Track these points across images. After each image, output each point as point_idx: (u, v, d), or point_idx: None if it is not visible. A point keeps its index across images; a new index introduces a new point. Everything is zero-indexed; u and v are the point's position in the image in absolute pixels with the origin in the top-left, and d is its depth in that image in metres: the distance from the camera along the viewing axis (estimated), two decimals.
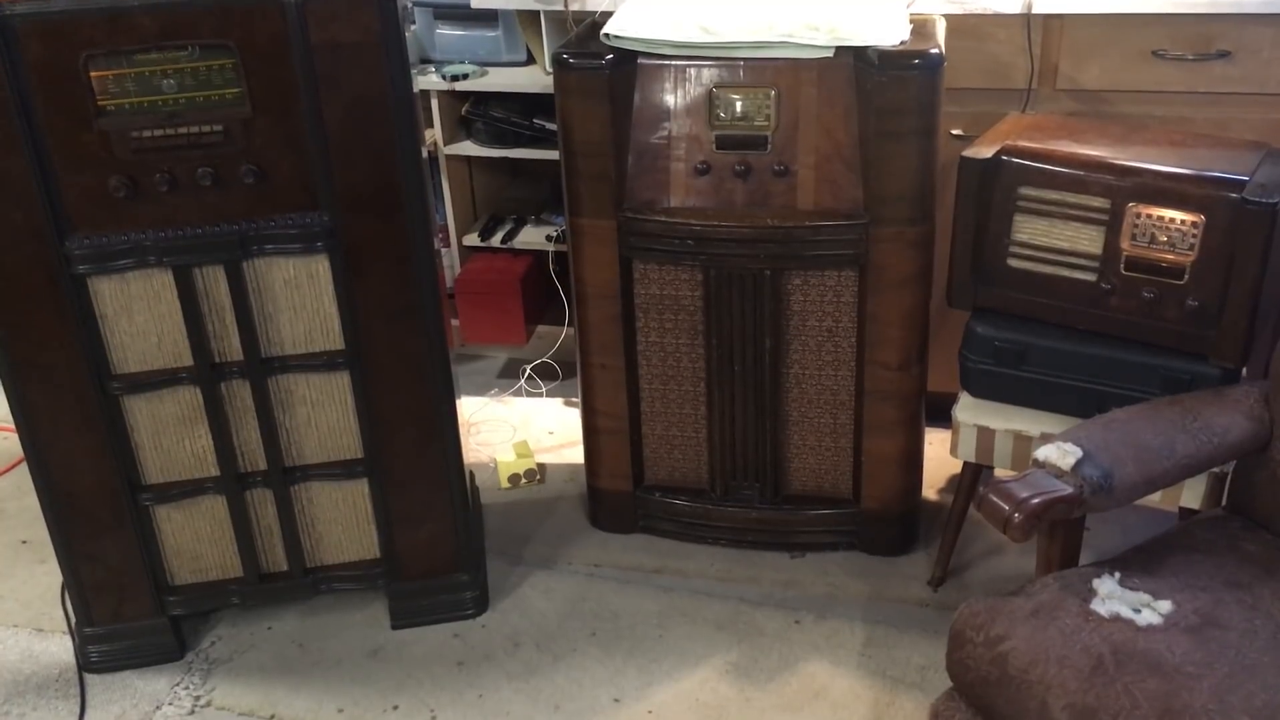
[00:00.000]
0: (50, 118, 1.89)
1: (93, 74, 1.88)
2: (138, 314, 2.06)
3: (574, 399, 2.90)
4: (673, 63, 2.24)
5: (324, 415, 2.20)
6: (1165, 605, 1.67)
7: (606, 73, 2.21)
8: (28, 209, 1.93)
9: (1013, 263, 2.17)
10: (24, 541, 2.72)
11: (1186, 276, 2.01)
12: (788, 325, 2.34)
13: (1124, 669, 1.56)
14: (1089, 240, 2.09)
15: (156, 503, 2.22)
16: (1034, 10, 2.39)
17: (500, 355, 3.38)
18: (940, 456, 2.62)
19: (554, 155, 2.40)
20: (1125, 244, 2.05)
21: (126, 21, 1.85)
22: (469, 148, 3.05)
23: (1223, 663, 1.57)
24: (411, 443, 2.23)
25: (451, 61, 3.03)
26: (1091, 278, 2.10)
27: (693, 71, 2.24)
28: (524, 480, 2.83)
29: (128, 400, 2.12)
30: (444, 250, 3.16)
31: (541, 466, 2.87)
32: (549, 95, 2.35)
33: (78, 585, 2.26)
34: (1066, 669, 1.57)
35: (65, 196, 1.95)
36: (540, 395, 3.18)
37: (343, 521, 2.31)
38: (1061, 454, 1.72)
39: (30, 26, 1.83)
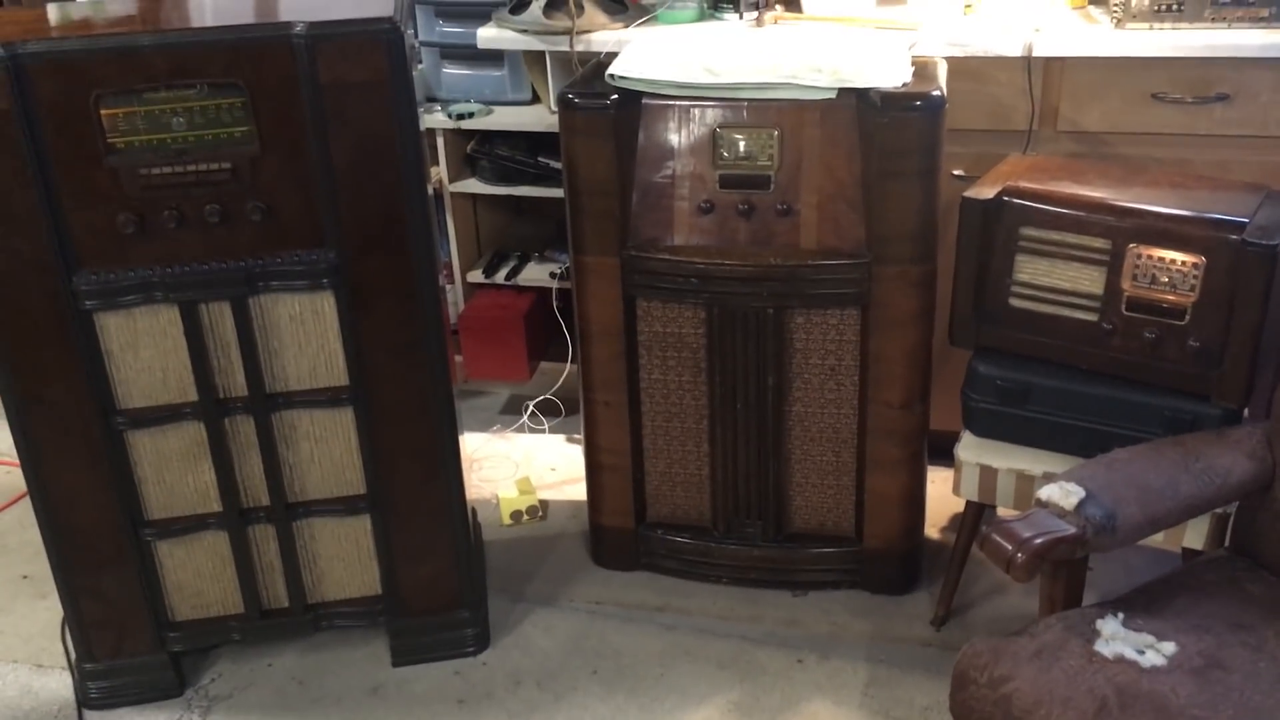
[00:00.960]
0: (60, 154, 1.91)
1: (103, 112, 1.90)
2: (143, 349, 2.07)
3: (576, 436, 2.91)
4: (677, 103, 2.26)
5: (327, 451, 2.20)
6: (1169, 646, 1.66)
7: (611, 112, 2.23)
8: (36, 244, 1.95)
9: (1015, 302, 2.18)
10: (25, 576, 2.71)
11: (1188, 317, 2.02)
12: (790, 363, 2.35)
13: (1128, 711, 1.55)
14: (1090, 280, 2.10)
15: (159, 538, 2.21)
16: (1035, 53, 2.41)
17: (503, 391, 3.39)
18: (943, 495, 2.62)
19: (558, 193, 2.41)
20: (1126, 284, 2.06)
21: (137, 60, 1.88)
22: (474, 185, 3.07)
23: (1227, 705, 1.56)
24: (414, 479, 2.23)
25: (457, 100, 3.06)
26: (1093, 318, 2.11)
27: (697, 112, 2.26)
28: (526, 517, 2.83)
29: (132, 435, 2.12)
30: (448, 287, 3.17)
31: (544, 503, 2.86)
32: (554, 134, 2.37)
33: (78, 621, 2.25)
34: (1070, 711, 1.56)
35: (74, 232, 1.96)
36: (543, 432, 3.18)
37: (344, 558, 2.30)
38: (1064, 494, 1.72)
39: (42, 65, 1.85)
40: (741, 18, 2.73)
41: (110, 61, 1.87)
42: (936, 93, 2.15)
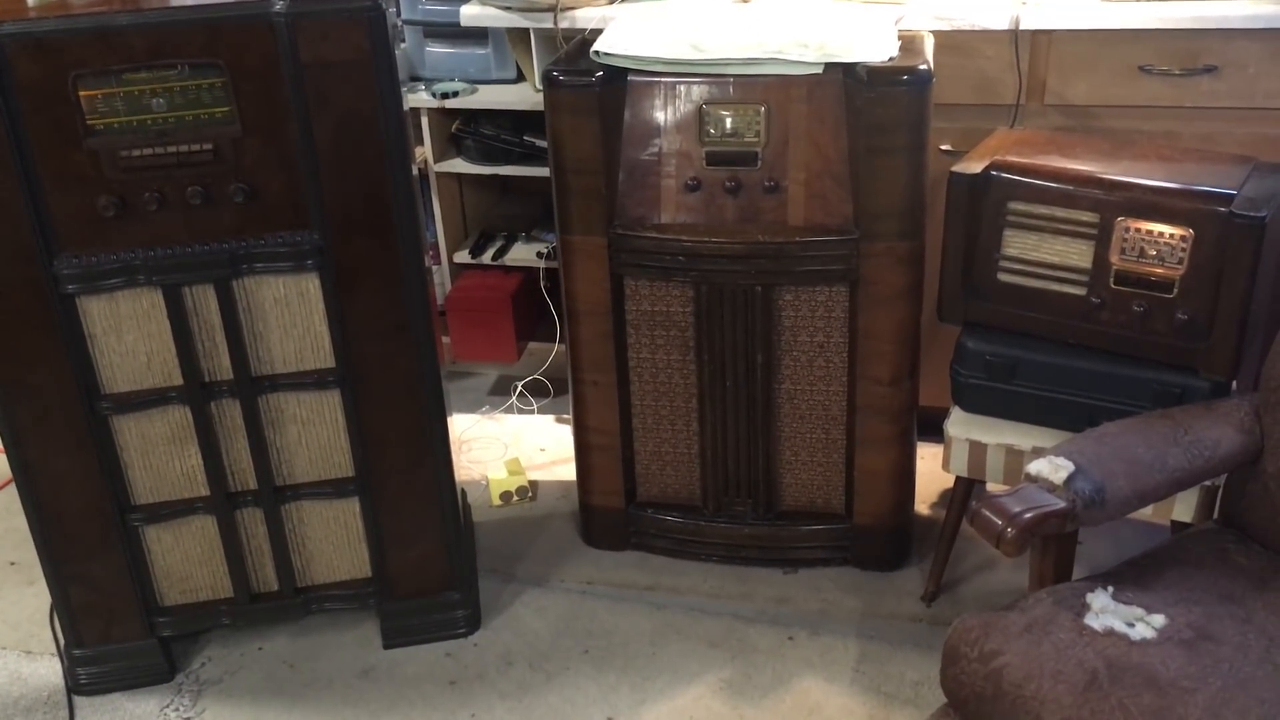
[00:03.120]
0: (39, 137, 1.89)
1: (82, 93, 1.88)
2: (127, 333, 2.05)
3: (565, 416, 2.90)
4: (663, 79, 2.25)
5: (315, 434, 2.19)
6: (1159, 619, 1.67)
7: (597, 90, 2.22)
8: (16, 228, 1.93)
9: (1003, 277, 2.17)
10: (12, 563, 2.70)
11: (1176, 290, 2.02)
12: (779, 341, 2.35)
13: (1118, 684, 1.56)
14: (1078, 254, 2.10)
15: (146, 523, 2.20)
16: (1022, 26, 2.40)
17: (491, 372, 3.38)
18: (932, 471, 2.62)
19: (544, 172, 2.40)
20: (1114, 258, 2.06)
21: (116, 40, 1.86)
22: (459, 165, 3.06)
23: (1216, 677, 1.57)
24: (403, 461, 2.22)
25: (442, 79, 3.04)
26: (1081, 292, 2.11)
27: (683, 88, 2.24)
28: (516, 498, 2.83)
29: (117, 420, 2.11)
30: (434, 267, 3.16)
31: (533, 484, 2.86)
32: (539, 112, 2.35)
33: (66, 607, 2.24)
34: (1061, 684, 1.57)
35: (54, 216, 1.94)
36: (531, 412, 3.17)
37: (334, 540, 2.30)
38: (1053, 468, 1.72)
39: (19, 46, 1.83)
40: None
41: (88, 42, 1.85)
42: (923, 67, 2.14)
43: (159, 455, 2.16)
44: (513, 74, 3.03)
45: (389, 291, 2.08)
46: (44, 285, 1.97)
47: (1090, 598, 1.70)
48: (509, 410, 3.19)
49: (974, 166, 2.15)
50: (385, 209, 2.02)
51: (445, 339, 3.12)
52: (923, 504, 2.69)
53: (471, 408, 3.21)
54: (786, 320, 2.33)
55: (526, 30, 2.77)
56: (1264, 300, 2.03)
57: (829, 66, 2.17)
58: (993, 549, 1.69)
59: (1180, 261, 2.00)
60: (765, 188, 2.25)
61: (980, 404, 2.24)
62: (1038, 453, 1.81)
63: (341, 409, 2.17)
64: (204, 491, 2.19)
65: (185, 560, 2.26)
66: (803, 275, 2.27)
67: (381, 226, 2.03)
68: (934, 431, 2.36)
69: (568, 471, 2.73)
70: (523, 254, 3.11)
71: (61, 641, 2.32)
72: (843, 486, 2.48)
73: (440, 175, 3.07)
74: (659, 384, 2.45)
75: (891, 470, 2.43)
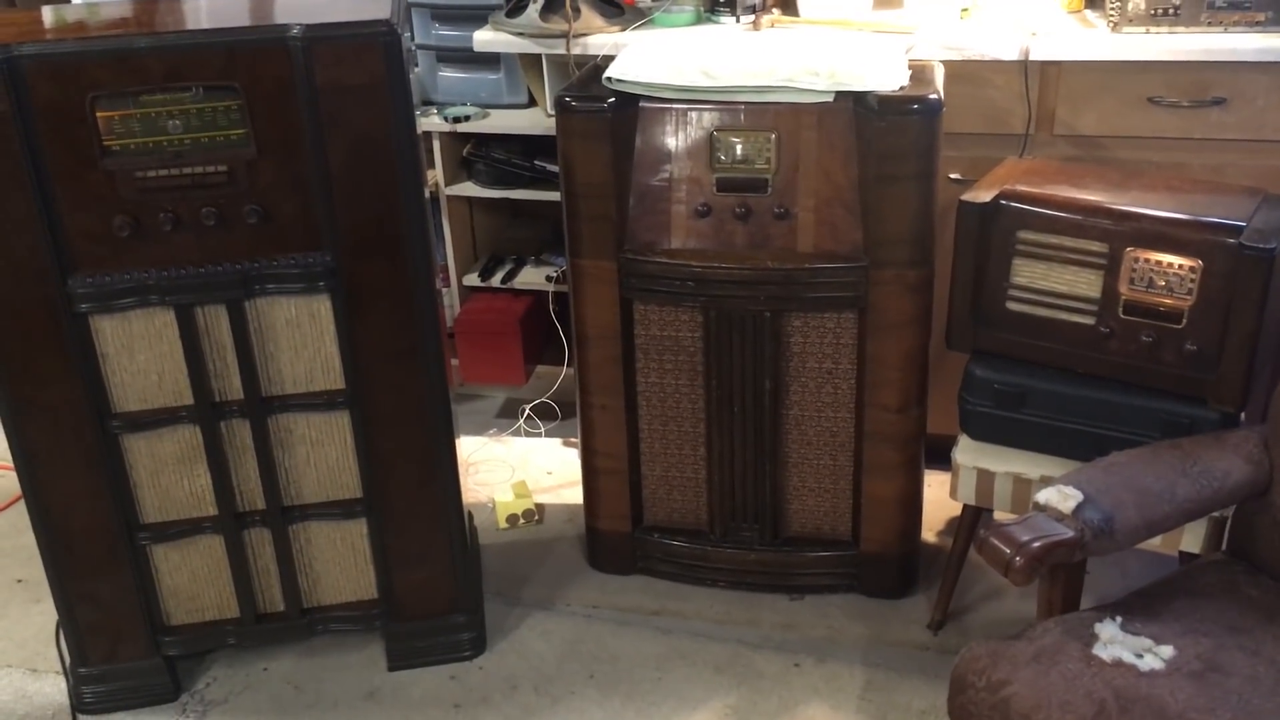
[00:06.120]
0: (56, 157, 1.90)
1: (99, 114, 1.89)
2: (139, 353, 2.06)
3: (573, 439, 2.90)
4: (674, 106, 2.26)
5: (323, 455, 2.20)
6: (1167, 650, 1.66)
7: (608, 115, 2.23)
8: (31, 248, 1.94)
9: (1012, 306, 2.18)
10: (19, 580, 2.70)
11: (1185, 320, 2.02)
12: (787, 367, 2.35)
13: (1127, 715, 1.55)
14: (1087, 284, 2.10)
15: (154, 542, 2.21)
16: (1031, 57, 2.42)
17: (499, 395, 3.38)
18: (940, 499, 2.61)
19: (555, 196, 2.41)
20: (1124, 288, 2.06)
21: (133, 63, 1.87)
22: (470, 188, 3.07)
23: (1225, 709, 1.56)
24: (410, 482, 2.23)
25: (454, 103, 3.06)
26: (1090, 321, 2.11)
27: (694, 115, 2.26)
28: (522, 521, 2.83)
29: (127, 439, 2.12)
30: (444, 290, 3.17)
31: (540, 507, 2.86)
32: (550, 137, 2.37)
33: (73, 625, 2.24)
34: (1069, 714, 1.56)
35: (69, 235, 1.96)
36: (539, 435, 3.17)
37: (340, 562, 2.30)
38: (1062, 497, 1.72)
39: (38, 67, 1.84)
40: (738, 21, 2.73)
41: (106, 64, 1.87)
42: (933, 96, 2.15)
43: (168, 474, 2.16)
44: (524, 99, 3.05)
45: (399, 313, 2.09)
46: (57, 304, 1.98)
47: (1099, 628, 1.70)
48: (516, 433, 3.19)
49: (983, 195, 2.16)
50: (396, 231, 2.03)
51: (454, 361, 3.13)
52: (930, 532, 2.68)
53: (479, 430, 3.22)
54: (795, 346, 2.33)
55: (539, 56, 2.79)
56: (1273, 331, 2.03)
57: (839, 95, 2.18)
58: (1000, 578, 1.69)
59: (1189, 292, 2.00)
60: (775, 214, 2.26)
61: (988, 432, 2.24)
62: (1046, 482, 1.81)
63: (350, 430, 2.17)
64: (212, 511, 2.19)
65: (192, 580, 2.26)
66: (812, 302, 2.28)
67: (392, 249, 2.04)
68: (942, 459, 2.36)
69: (574, 495, 2.73)
70: (532, 277, 3.12)
71: (67, 660, 2.32)
72: (850, 513, 2.47)
73: (451, 198, 3.09)
74: (667, 409, 2.45)
75: (899, 497, 2.42)
